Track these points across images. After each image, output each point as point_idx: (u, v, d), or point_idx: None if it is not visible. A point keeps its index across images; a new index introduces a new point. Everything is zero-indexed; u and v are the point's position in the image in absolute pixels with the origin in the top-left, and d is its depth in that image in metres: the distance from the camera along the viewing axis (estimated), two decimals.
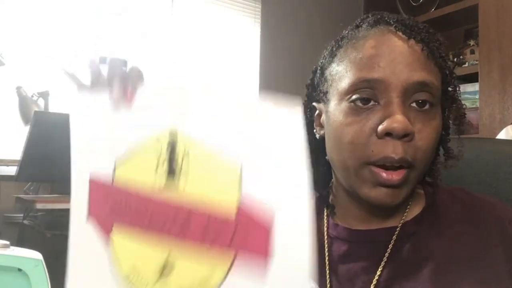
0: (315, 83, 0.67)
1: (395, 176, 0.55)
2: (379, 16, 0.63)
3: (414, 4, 3.03)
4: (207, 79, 2.66)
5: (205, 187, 0.43)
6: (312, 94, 0.68)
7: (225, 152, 0.43)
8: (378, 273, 0.60)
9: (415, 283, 0.58)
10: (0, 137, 2.06)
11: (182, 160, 0.44)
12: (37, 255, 0.61)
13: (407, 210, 0.63)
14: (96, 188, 0.48)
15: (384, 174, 0.55)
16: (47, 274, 0.59)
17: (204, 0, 2.68)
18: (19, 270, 0.57)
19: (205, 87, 0.45)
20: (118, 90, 0.48)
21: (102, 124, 0.48)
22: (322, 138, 0.64)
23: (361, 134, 0.56)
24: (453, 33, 2.92)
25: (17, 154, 1.84)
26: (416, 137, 0.56)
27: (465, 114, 0.64)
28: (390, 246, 0.61)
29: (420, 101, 0.57)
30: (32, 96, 1.99)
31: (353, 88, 0.57)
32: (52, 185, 1.93)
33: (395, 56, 0.57)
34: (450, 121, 0.64)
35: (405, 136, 0.55)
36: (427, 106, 0.57)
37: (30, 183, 2.00)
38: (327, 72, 0.64)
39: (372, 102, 0.57)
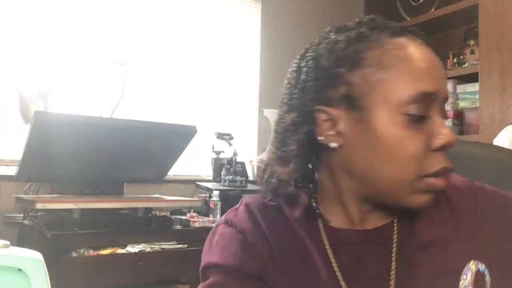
0: (319, 84, 0.60)
1: (444, 181, 0.59)
2: (399, 25, 0.62)
3: (414, 4, 3.03)
4: (208, 77, 2.66)
5: None
6: (310, 96, 0.61)
7: None
8: (393, 267, 0.62)
9: (430, 267, 0.61)
10: (0, 137, 2.06)
11: None
12: (37, 255, 0.60)
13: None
14: None
15: (437, 182, 0.59)
16: (47, 274, 0.59)
17: None
18: (19, 270, 0.57)
19: None
20: None
21: None
22: (334, 147, 0.60)
23: (420, 149, 0.57)
24: (453, 33, 2.91)
25: (17, 154, 1.84)
26: None
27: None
28: (395, 240, 0.63)
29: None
30: (32, 96, 1.98)
31: (412, 101, 0.57)
32: (52, 185, 1.92)
33: (438, 69, 0.60)
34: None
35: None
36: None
37: (30, 183, 2.00)
38: (353, 76, 0.58)
39: (424, 117, 0.58)
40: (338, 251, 0.63)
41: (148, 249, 1.72)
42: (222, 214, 2.12)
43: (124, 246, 1.71)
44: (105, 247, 1.67)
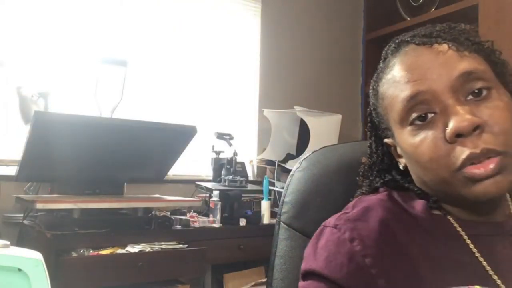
0: (376, 123, 0.71)
1: (488, 166, 0.54)
2: (398, 40, 0.65)
3: (414, 4, 3.03)
4: (208, 77, 2.66)
5: None
6: (378, 134, 0.71)
7: None
8: None
9: None
10: (0, 137, 2.06)
11: None
12: (37, 255, 0.61)
13: (510, 203, 0.64)
14: None
15: (476, 170, 0.55)
16: (47, 274, 0.59)
17: None
18: (19, 270, 0.57)
19: None
20: None
21: None
22: (406, 167, 0.66)
23: (435, 148, 0.57)
24: None
25: (17, 154, 1.84)
26: (489, 124, 0.55)
27: None
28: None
29: (475, 91, 0.57)
30: (32, 96, 1.98)
31: (404, 112, 0.60)
32: (52, 185, 1.92)
33: (425, 64, 0.59)
34: None
35: (476, 129, 0.55)
36: (484, 92, 0.57)
37: (30, 183, 2.00)
38: (379, 110, 0.67)
39: (429, 116, 0.58)
40: (478, 243, 0.61)
41: (148, 249, 1.72)
42: (222, 214, 2.13)
43: (124, 246, 1.71)
44: (105, 247, 1.67)
